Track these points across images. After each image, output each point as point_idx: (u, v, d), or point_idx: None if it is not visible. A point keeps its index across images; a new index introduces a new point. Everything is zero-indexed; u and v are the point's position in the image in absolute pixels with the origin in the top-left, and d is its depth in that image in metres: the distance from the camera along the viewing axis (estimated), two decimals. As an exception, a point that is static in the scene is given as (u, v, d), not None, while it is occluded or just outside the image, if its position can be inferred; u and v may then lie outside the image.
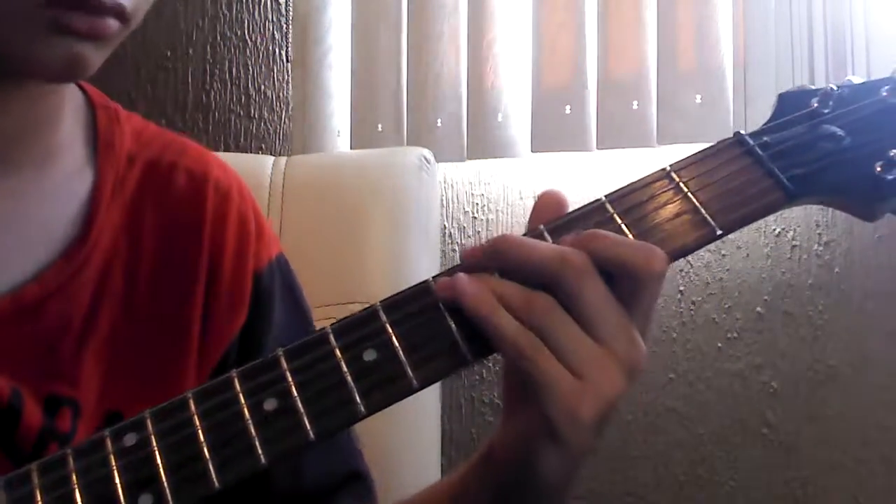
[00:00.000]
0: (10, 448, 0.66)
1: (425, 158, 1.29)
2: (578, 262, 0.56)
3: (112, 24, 0.63)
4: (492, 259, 0.58)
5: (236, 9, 1.71)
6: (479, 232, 1.52)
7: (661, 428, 1.39)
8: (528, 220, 0.62)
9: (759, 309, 1.34)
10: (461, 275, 0.58)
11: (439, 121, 1.47)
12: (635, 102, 1.32)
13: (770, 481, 1.33)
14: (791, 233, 1.32)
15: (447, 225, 1.54)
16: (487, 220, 1.52)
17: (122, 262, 0.73)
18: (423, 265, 1.26)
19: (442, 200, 1.52)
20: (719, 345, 1.36)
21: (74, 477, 0.54)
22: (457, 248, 1.54)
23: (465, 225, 1.53)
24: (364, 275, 1.21)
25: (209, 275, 0.76)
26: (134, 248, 0.74)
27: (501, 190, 1.51)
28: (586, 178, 1.42)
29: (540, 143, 1.40)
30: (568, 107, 1.37)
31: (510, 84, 1.44)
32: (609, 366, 0.56)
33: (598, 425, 0.57)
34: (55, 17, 0.61)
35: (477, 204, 1.53)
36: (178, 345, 0.74)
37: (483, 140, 1.44)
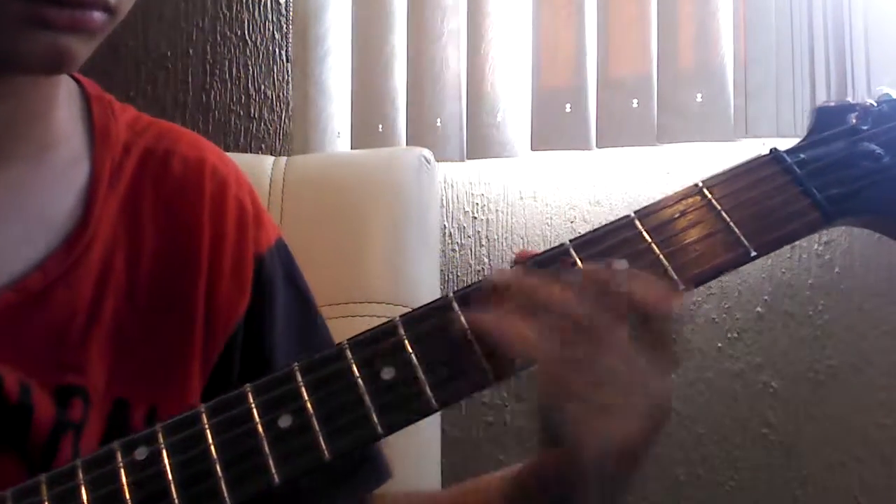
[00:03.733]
0: (21, 444, 0.66)
1: (425, 158, 1.29)
2: (614, 327, 0.55)
3: (96, 16, 0.62)
4: (521, 300, 0.57)
5: (236, 9, 1.71)
6: (478, 232, 1.52)
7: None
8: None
9: (759, 309, 1.34)
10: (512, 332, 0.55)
11: (439, 121, 1.47)
12: (636, 101, 1.32)
13: (770, 481, 1.33)
14: (791, 232, 1.32)
15: (447, 225, 1.54)
16: (487, 220, 1.52)
17: (123, 250, 0.73)
18: (423, 265, 1.26)
19: (442, 200, 1.52)
20: (719, 345, 1.36)
21: (83, 489, 0.54)
22: (456, 249, 1.54)
23: (465, 225, 1.53)
24: (364, 275, 1.21)
25: (210, 259, 0.76)
26: (134, 236, 0.74)
27: (501, 190, 1.50)
28: (586, 177, 1.42)
29: (540, 141, 1.40)
30: (568, 105, 1.37)
31: (510, 83, 1.44)
32: (629, 411, 0.56)
33: (621, 462, 0.57)
34: (34, 12, 0.61)
35: (477, 204, 1.53)
36: (182, 330, 0.74)
37: (483, 140, 1.44)
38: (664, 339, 0.56)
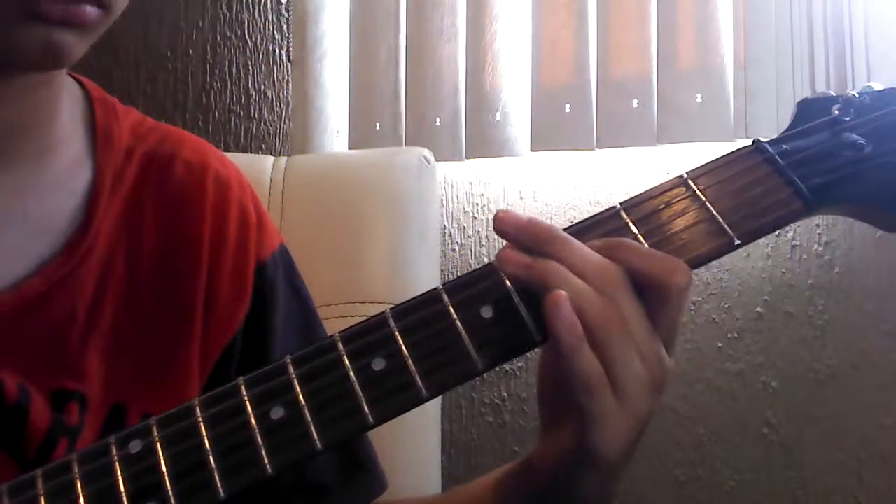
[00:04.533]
0: (16, 447, 0.66)
1: (425, 158, 1.29)
2: (620, 282, 0.55)
3: (90, 11, 0.62)
4: (535, 244, 0.57)
5: (236, 9, 1.71)
6: (478, 232, 1.52)
7: (661, 428, 1.39)
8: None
9: (759, 309, 1.34)
10: (563, 293, 0.55)
11: (438, 120, 1.47)
12: (635, 101, 1.32)
13: (770, 481, 1.33)
14: (791, 233, 1.32)
15: (447, 225, 1.54)
16: (487, 220, 1.51)
17: (124, 254, 0.73)
18: (423, 265, 1.26)
19: (442, 200, 1.52)
20: (719, 345, 1.36)
21: (78, 483, 0.54)
22: (457, 248, 1.54)
23: (465, 225, 1.53)
24: (364, 275, 1.21)
25: (210, 264, 0.76)
26: (135, 240, 0.74)
27: (501, 190, 1.50)
28: (586, 177, 1.42)
29: (540, 141, 1.40)
30: (568, 105, 1.37)
31: (510, 83, 1.44)
32: (646, 387, 0.56)
33: (633, 444, 0.57)
34: (29, 5, 0.61)
35: (477, 204, 1.53)
36: (180, 335, 0.74)
37: (482, 139, 1.44)
38: (665, 311, 0.56)
